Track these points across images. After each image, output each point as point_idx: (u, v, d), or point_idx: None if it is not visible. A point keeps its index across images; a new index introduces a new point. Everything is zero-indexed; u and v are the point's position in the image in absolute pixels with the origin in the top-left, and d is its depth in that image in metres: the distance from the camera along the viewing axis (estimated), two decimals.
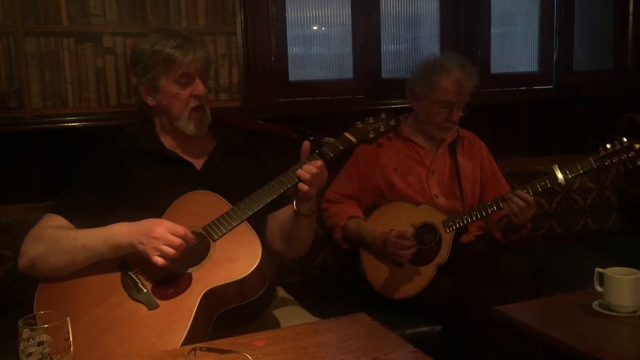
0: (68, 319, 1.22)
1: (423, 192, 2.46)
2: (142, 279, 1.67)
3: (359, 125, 1.91)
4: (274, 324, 1.82)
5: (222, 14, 2.56)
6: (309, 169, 1.72)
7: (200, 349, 1.34)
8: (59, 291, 1.68)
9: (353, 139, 1.87)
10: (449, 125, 2.44)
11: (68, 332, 1.21)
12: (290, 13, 2.84)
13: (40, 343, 1.17)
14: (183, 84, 1.86)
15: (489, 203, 2.30)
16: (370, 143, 1.94)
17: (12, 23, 2.29)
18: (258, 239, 1.70)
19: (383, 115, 1.94)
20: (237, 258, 1.66)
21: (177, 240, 1.61)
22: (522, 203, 2.20)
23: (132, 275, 1.68)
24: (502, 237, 2.46)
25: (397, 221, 2.35)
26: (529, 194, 2.22)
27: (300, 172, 1.73)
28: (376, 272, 2.37)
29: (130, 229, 1.65)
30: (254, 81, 2.68)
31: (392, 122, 1.93)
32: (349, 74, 3.02)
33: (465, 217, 2.30)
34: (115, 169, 1.84)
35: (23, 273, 1.75)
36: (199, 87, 1.87)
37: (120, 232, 1.66)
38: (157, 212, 1.74)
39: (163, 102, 1.88)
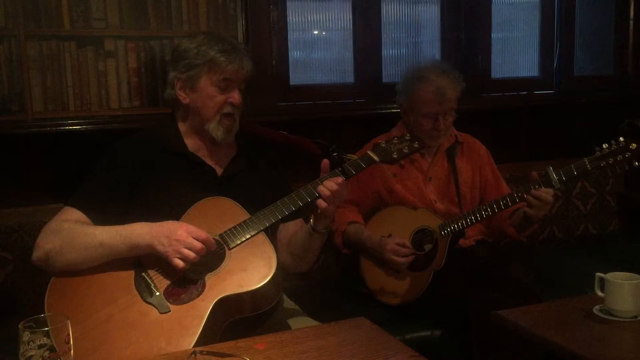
0: (69, 321, 1.22)
1: (422, 198, 2.46)
2: (155, 281, 1.67)
3: (383, 144, 1.91)
4: (279, 328, 1.82)
5: (224, 18, 2.56)
6: (330, 185, 1.74)
7: (201, 352, 1.34)
8: (71, 287, 1.68)
9: (376, 158, 1.87)
10: (437, 133, 2.42)
11: (69, 335, 1.21)
12: (291, 17, 2.85)
13: (41, 346, 1.17)
14: (222, 88, 1.87)
15: (484, 207, 2.28)
16: (392, 164, 1.94)
17: (14, 26, 2.29)
18: (274, 251, 1.71)
19: (407, 137, 1.93)
20: (252, 268, 1.66)
21: (199, 245, 1.62)
22: (546, 197, 2.15)
23: (145, 276, 1.68)
24: (516, 232, 2.42)
25: (394, 226, 2.35)
26: (523, 197, 2.21)
27: (320, 188, 1.74)
28: (375, 277, 2.37)
29: (151, 230, 1.65)
30: (255, 85, 2.66)
31: (417, 145, 1.93)
32: (349, 78, 3.02)
33: (461, 220, 2.29)
34: (136, 166, 1.83)
35: (37, 266, 1.73)
36: (235, 95, 1.88)
37: (141, 232, 1.65)
38: (175, 213, 1.74)
39: (197, 102, 1.88)
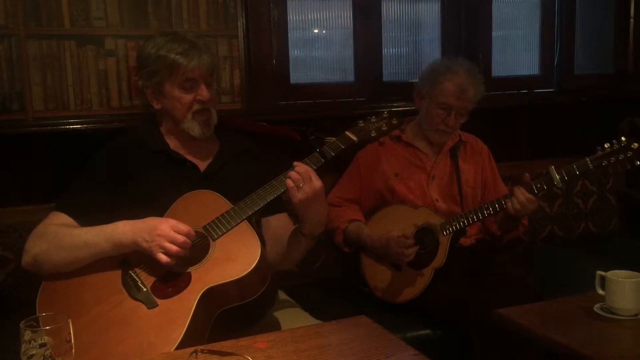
0: (70, 320, 1.22)
1: (424, 197, 2.46)
2: (141, 277, 1.68)
3: (361, 124, 1.91)
4: (276, 326, 1.83)
5: (224, 17, 2.57)
6: (301, 170, 1.71)
7: (202, 351, 1.34)
8: (61, 290, 1.69)
9: (354, 138, 1.87)
10: (445, 128, 2.43)
11: (70, 333, 1.21)
12: (292, 16, 2.84)
13: (42, 345, 1.17)
14: (187, 88, 1.89)
15: (485, 205, 2.29)
16: (372, 142, 1.93)
17: (14, 25, 2.29)
18: (258, 238, 1.70)
19: (386, 114, 1.93)
20: (237, 257, 1.66)
21: (181, 238, 1.63)
22: (528, 205, 2.18)
23: (132, 273, 1.69)
24: (499, 230, 2.43)
25: (395, 224, 2.35)
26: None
27: (291, 172, 1.72)
28: (375, 275, 2.37)
29: (134, 227, 1.67)
30: (255, 84, 2.68)
31: (395, 121, 1.92)
32: (350, 77, 3.02)
33: (462, 219, 2.30)
34: (120, 168, 1.86)
35: (27, 270, 1.76)
36: (203, 92, 1.89)
37: (124, 230, 1.67)
38: (160, 211, 1.75)
39: (168, 105, 1.92)
